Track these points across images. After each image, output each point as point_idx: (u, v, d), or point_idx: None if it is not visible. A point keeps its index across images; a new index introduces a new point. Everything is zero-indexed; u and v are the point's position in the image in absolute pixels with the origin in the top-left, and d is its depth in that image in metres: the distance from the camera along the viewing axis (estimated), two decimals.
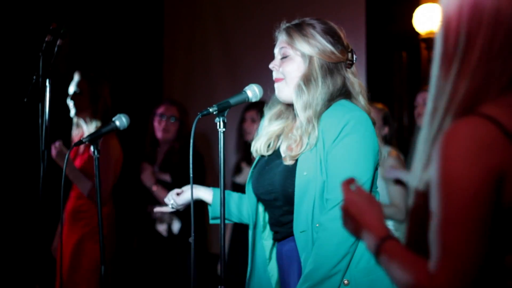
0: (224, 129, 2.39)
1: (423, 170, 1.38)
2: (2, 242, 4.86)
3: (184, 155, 4.52)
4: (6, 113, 4.79)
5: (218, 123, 2.40)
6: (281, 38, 2.52)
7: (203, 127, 4.87)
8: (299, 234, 2.36)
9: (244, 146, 4.77)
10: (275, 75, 2.52)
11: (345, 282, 2.28)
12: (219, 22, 6.02)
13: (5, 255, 4.85)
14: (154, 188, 4.50)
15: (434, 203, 1.32)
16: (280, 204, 2.46)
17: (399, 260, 1.37)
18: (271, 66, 2.53)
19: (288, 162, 2.43)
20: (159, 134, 4.65)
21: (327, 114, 2.39)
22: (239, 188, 4.62)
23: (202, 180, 4.60)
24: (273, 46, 2.58)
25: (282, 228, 2.47)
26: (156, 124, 4.66)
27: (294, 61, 2.47)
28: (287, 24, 2.54)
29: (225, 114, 2.41)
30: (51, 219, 4.38)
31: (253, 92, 2.50)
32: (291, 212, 2.41)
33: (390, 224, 4.35)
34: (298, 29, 2.48)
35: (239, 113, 4.76)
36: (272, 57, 2.57)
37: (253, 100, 2.52)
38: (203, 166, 4.64)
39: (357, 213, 1.52)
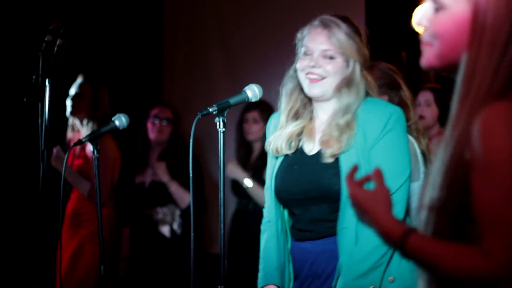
0: (224, 129, 2.40)
1: (452, 156, 1.38)
2: (2, 242, 4.85)
3: (180, 157, 4.53)
4: (5, 113, 4.78)
5: (218, 123, 2.40)
6: (322, 36, 2.47)
7: (201, 127, 4.88)
8: (341, 230, 2.37)
9: (246, 146, 4.76)
10: (315, 71, 2.45)
11: (390, 279, 2.30)
12: (219, 23, 6.01)
13: (5, 255, 4.85)
14: (172, 184, 4.50)
15: (479, 184, 1.32)
16: (318, 202, 2.44)
17: (437, 252, 1.36)
18: (309, 64, 2.46)
19: (328, 160, 2.41)
20: (152, 135, 4.64)
21: (364, 110, 2.43)
22: (239, 187, 4.63)
23: (201, 180, 4.60)
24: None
25: (318, 227, 2.46)
26: (149, 125, 4.66)
27: (336, 62, 2.46)
28: (328, 20, 2.50)
29: (225, 114, 2.42)
30: (51, 219, 4.39)
31: (253, 92, 2.51)
32: (330, 211, 2.42)
33: None
34: (341, 30, 2.47)
35: (238, 113, 4.75)
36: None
37: (253, 100, 2.52)
38: (200, 167, 4.63)
39: (364, 210, 1.50)
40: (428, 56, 1.47)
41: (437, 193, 1.41)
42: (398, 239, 1.42)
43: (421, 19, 1.48)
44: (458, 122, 1.38)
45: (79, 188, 4.17)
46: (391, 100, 3.11)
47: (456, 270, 1.33)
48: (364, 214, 1.51)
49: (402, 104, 3.08)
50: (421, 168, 3.00)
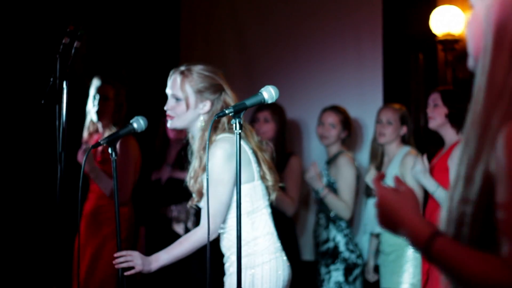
0: (240, 131, 2.39)
1: (473, 167, 1.35)
2: (20, 243, 4.88)
3: None
4: (23, 115, 4.81)
5: (234, 125, 2.40)
6: None
7: None
8: None
9: None
10: None
11: None
12: (235, 23, 6.02)
13: (23, 257, 4.88)
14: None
15: (501, 195, 1.28)
16: None
17: (461, 256, 1.32)
18: None
19: None
20: (171, 133, 4.65)
21: None
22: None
23: None
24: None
25: None
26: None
27: None
28: None
29: (241, 116, 2.41)
30: (68, 221, 4.41)
31: (269, 93, 2.50)
32: None
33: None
34: None
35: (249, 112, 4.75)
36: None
37: (269, 101, 2.52)
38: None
39: (392, 210, 1.47)
40: (468, 61, 1.42)
41: (465, 202, 1.37)
42: (425, 240, 1.38)
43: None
44: (483, 133, 1.34)
45: (102, 185, 4.17)
46: (213, 106, 3.03)
47: (477, 277, 1.29)
48: (391, 215, 1.47)
49: (227, 107, 3.01)
50: (254, 167, 2.99)
